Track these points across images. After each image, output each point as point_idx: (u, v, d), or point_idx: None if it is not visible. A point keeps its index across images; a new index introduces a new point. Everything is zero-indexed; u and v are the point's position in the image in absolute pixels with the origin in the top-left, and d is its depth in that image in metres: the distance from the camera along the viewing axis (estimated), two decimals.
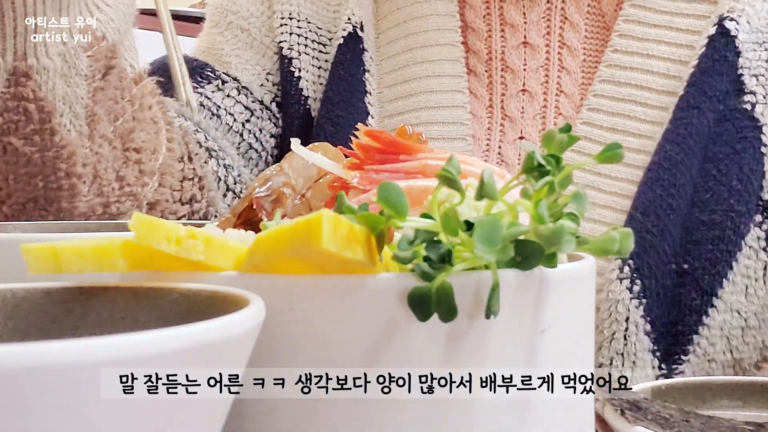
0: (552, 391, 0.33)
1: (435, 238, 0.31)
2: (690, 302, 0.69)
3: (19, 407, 0.21)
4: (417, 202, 0.35)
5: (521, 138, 0.78)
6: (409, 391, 0.31)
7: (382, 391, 0.31)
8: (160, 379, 0.23)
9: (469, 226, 0.31)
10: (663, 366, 0.69)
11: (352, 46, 0.84)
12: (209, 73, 0.84)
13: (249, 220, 0.48)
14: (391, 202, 0.30)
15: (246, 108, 0.84)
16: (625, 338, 0.68)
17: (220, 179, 0.80)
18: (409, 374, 0.31)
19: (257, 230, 0.34)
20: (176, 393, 0.23)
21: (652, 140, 0.73)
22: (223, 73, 0.84)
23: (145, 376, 0.22)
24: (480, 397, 0.31)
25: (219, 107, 0.83)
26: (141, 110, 0.69)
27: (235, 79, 0.84)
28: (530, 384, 0.32)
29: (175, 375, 0.23)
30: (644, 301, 0.68)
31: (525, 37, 0.80)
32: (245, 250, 0.32)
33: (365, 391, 0.31)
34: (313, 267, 0.31)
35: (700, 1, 0.76)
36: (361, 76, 0.83)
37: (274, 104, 0.86)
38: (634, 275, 0.68)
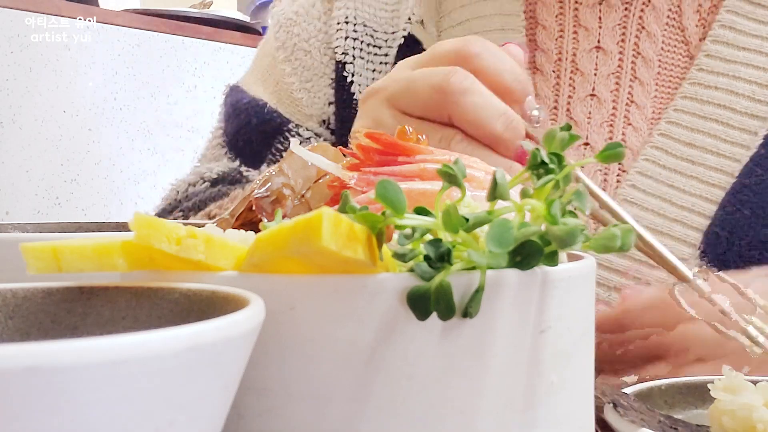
0: (552, 391, 0.33)
1: (435, 237, 0.31)
2: None
3: (19, 407, 0.21)
4: (415, 206, 0.35)
5: (586, 144, 0.76)
6: (409, 391, 0.31)
7: (382, 391, 0.31)
8: (160, 379, 0.23)
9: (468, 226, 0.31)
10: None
11: (412, 45, 0.83)
12: (288, 133, 0.86)
13: (248, 221, 0.48)
14: (389, 198, 0.30)
15: (315, 133, 0.87)
16: None
17: None
18: (408, 374, 0.31)
19: (257, 231, 0.34)
20: (176, 393, 0.23)
21: (731, 160, 0.73)
22: (299, 132, 0.87)
23: (145, 376, 0.22)
24: (480, 397, 0.31)
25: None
26: None
27: (308, 129, 0.86)
28: (530, 384, 0.32)
29: (175, 375, 0.23)
30: None
31: (598, 41, 0.78)
32: (245, 250, 0.32)
33: (365, 391, 0.31)
34: (313, 267, 0.31)
35: None
36: None
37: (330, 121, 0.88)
38: None
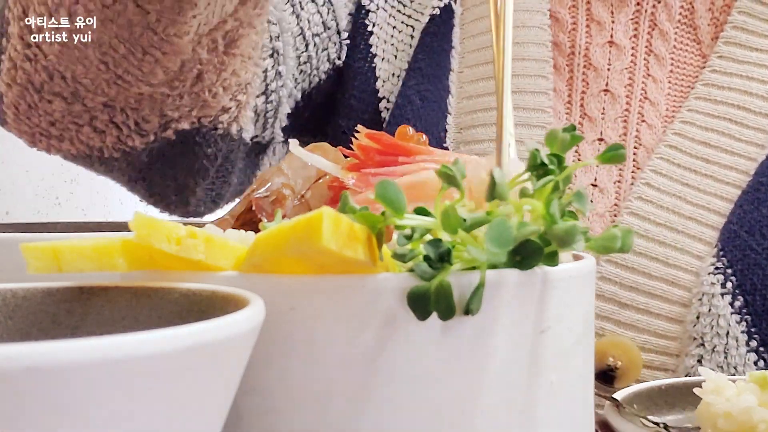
0: (552, 391, 0.33)
1: (435, 237, 0.31)
2: None
3: (19, 407, 0.21)
4: (415, 197, 0.35)
5: (601, 140, 0.76)
6: (409, 391, 0.31)
7: (382, 391, 0.31)
8: (160, 378, 0.23)
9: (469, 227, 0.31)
10: None
11: (445, 18, 0.82)
12: None
13: (248, 221, 0.48)
14: (388, 198, 0.30)
15: (323, 22, 0.81)
16: (725, 352, 0.68)
17: (265, 79, 0.75)
18: (408, 374, 0.31)
19: (257, 231, 0.34)
20: (176, 393, 0.23)
21: (746, 159, 0.73)
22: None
23: (145, 376, 0.22)
24: (480, 397, 0.31)
25: (302, 8, 0.80)
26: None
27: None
28: (530, 384, 0.32)
29: (175, 375, 0.23)
30: (747, 317, 0.68)
31: (611, 36, 0.78)
32: (245, 250, 0.32)
33: (365, 391, 0.31)
34: (314, 267, 0.31)
35: None
36: (448, 53, 0.81)
37: (345, 33, 0.83)
38: (736, 291, 0.68)
